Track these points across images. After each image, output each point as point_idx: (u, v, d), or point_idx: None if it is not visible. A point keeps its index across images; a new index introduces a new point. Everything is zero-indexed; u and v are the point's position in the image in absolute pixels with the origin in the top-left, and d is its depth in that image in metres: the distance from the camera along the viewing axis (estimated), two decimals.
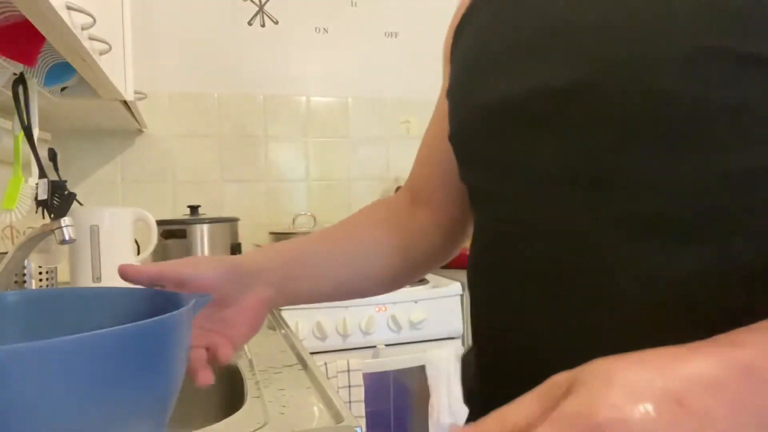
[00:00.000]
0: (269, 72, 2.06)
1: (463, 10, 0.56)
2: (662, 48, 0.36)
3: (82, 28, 0.87)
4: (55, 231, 1.14)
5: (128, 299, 0.49)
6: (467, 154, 0.52)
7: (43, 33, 0.83)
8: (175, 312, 0.39)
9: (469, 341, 0.57)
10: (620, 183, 0.39)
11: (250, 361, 0.86)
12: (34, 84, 1.10)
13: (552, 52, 0.42)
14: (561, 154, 0.41)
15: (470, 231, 0.57)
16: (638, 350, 0.31)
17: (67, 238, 1.14)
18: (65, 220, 1.13)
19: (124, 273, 0.49)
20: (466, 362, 0.57)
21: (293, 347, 0.96)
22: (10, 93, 1.05)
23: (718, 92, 0.35)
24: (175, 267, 0.49)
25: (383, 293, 0.64)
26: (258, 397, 0.70)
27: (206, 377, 0.47)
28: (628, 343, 0.33)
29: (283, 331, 1.08)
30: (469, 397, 0.56)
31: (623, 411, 0.26)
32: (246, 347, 0.95)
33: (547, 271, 0.43)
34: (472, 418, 0.55)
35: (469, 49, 0.52)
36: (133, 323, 0.36)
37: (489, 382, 0.51)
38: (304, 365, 0.84)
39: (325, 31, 2.11)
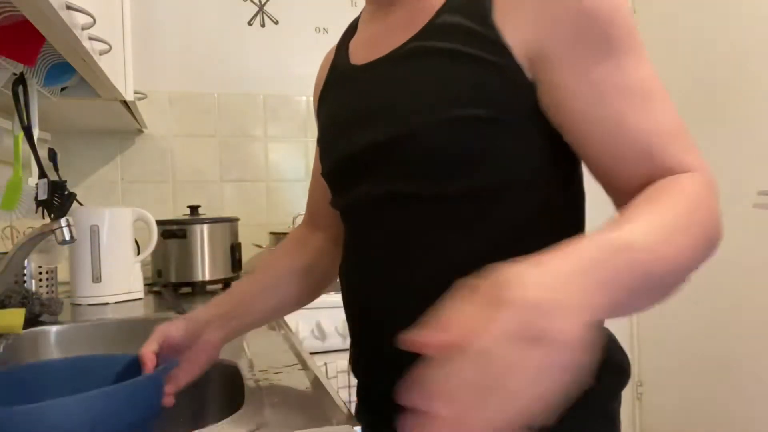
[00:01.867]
0: (269, 72, 2.06)
1: (322, 83, 0.78)
2: (429, 118, 0.58)
3: (82, 28, 0.87)
4: (55, 231, 1.14)
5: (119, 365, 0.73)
6: (334, 187, 0.74)
7: (43, 33, 0.83)
8: (153, 373, 0.66)
9: None
10: (415, 200, 0.61)
11: (250, 361, 0.86)
12: (34, 84, 1.10)
13: (369, 124, 0.64)
14: (381, 185, 0.63)
15: None
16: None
17: (67, 238, 1.14)
18: (65, 220, 1.14)
19: (144, 366, 0.70)
20: (351, 349, 0.77)
21: (293, 347, 0.96)
22: (10, 93, 1.05)
23: (465, 143, 0.58)
24: (157, 341, 0.71)
25: (299, 308, 0.83)
26: (258, 397, 0.70)
27: (168, 401, 0.69)
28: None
29: (283, 331, 1.08)
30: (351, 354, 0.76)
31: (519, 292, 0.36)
32: (246, 347, 0.95)
33: (376, 271, 0.65)
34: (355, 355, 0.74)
35: (328, 114, 0.74)
36: (142, 377, 0.65)
37: (354, 340, 0.73)
38: (304, 365, 0.84)
39: (325, 31, 2.11)
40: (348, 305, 0.72)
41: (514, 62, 0.55)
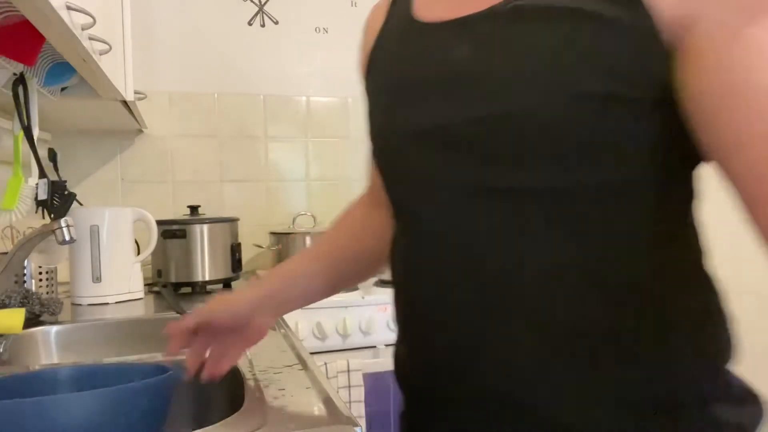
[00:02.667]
0: (269, 72, 2.06)
1: (372, 42, 0.66)
2: (548, 93, 0.47)
3: (82, 28, 0.87)
4: (55, 231, 1.14)
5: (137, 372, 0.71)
6: (390, 170, 0.62)
7: (43, 33, 0.83)
8: (158, 379, 0.63)
9: None
10: (522, 193, 0.50)
11: (250, 361, 0.86)
12: (34, 84, 1.10)
13: (457, 94, 0.52)
14: (470, 172, 0.52)
15: None
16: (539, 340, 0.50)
17: (67, 238, 1.14)
18: (65, 220, 1.13)
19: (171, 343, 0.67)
20: (398, 356, 0.67)
21: (293, 347, 0.96)
22: (10, 93, 1.05)
23: (591, 124, 0.47)
24: (196, 320, 0.66)
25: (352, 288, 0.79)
26: (258, 397, 0.70)
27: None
28: (538, 340, 0.50)
29: (283, 331, 1.08)
30: (406, 387, 0.66)
31: None
32: None
33: (465, 272, 0.53)
34: (408, 405, 0.65)
35: (386, 77, 0.61)
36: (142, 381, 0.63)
37: (422, 373, 0.61)
38: (304, 365, 0.84)
39: (325, 31, 2.11)
40: (409, 313, 0.62)
41: (652, 24, 0.45)
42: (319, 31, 2.11)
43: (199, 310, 0.66)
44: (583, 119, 0.47)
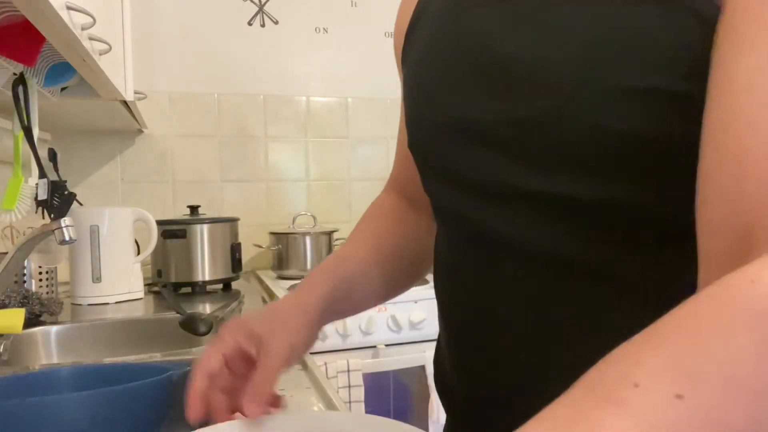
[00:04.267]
0: (269, 72, 2.06)
1: (408, 18, 0.58)
2: (599, 86, 0.40)
3: (82, 28, 0.87)
4: (55, 231, 1.14)
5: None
6: (427, 166, 0.55)
7: (43, 33, 0.83)
8: (159, 378, 0.61)
9: None
10: (574, 204, 0.43)
11: None
12: (34, 84, 1.10)
13: (497, 86, 0.45)
14: (519, 176, 0.45)
15: None
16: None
17: (67, 238, 1.14)
18: (65, 220, 1.13)
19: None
20: (438, 363, 0.61)
21: None
22: (10, 93, 1.05)
23: (652, 126, 0.39)
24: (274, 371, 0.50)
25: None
26: None
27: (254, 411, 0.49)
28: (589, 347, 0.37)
29: None
30: (446, 397, 0.60)
31: None
32: None
33: (509, 282, 0.47)
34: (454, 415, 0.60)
35: (422, 59, 0.54)
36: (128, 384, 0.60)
37: (466, 388, 0.54)
38: (304, 365, 0.84)
39: (325, 31, 2.11)
40: (457, 331, 0.55)
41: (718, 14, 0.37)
42: (319, 31, 2.11)
43: (278, 352, 0.49)
44: (642, 120, 0.39)
